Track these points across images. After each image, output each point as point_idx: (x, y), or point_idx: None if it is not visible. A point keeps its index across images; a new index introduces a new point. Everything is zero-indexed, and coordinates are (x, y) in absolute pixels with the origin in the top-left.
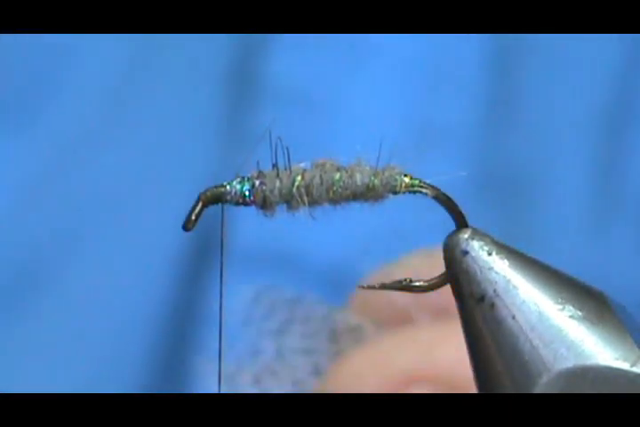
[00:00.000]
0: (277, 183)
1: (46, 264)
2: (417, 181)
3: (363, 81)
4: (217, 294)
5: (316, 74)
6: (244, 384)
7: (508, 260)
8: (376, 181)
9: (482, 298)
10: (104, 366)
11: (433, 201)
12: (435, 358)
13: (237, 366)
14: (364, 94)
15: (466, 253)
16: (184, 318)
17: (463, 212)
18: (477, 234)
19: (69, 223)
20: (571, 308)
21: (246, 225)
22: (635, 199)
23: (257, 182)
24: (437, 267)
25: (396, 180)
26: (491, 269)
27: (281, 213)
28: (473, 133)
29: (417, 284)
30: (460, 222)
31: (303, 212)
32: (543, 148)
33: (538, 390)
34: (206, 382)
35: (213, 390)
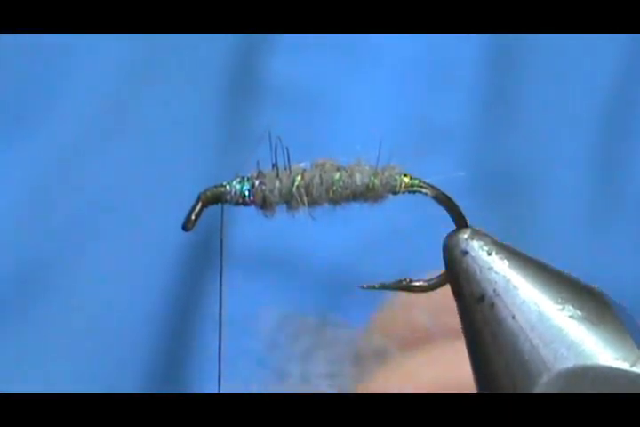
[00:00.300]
0: (277, 183)
1: (47, 266)
2: (417, 181)
3: (362, 81)
4: (214, 294)
5: (316, 74)
6: None
7: (507, 260)
8: (376, 181)
9: (482, 298)
10: (103, 366)
11: (432, 201)
12: (458, 376)
13: (264, 390)
14: (364, 94)
15: (465, 252)
16: (184, 319)
17: (463, 212)
18: (477, 234)
19: (70, 225)
20: (571, 308)
21: (246, 225)
22: (634, 199)
23: (257, 182)
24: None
25: (395, 180)
26: (490, 268)
27: (281, 213)
28: (472, 133)
29: (417, 284)
30: (460, 222)
31: (303, 212)
32: (542, 147)
33: (538, 389)
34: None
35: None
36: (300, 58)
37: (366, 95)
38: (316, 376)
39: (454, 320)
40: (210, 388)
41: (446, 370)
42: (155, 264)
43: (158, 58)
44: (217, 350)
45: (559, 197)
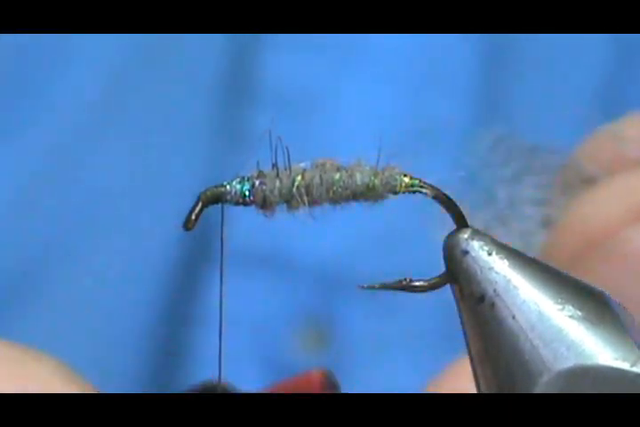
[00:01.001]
0: (277, 183)
1: (43, 266)
2: (417, 181)
3: (355, 81)
4: (210, 292)
5: (309, 74)
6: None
7: (507, 260)
8: (376, 181)
9: (482, 298)
10: (98, 364)
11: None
12: None
13: (471, 212)
14: (356, 94)
15: (466, 252)
16: (177, 318)
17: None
18: (477, 234)
19: (65, 224)
20: (571, 308)
21: (241, 224)
22: None
23: (257, 182)
24: None
25: (395, 180)
26: (491, 269)
27: (278, 212)
28: (464, 132)
29: (417, 284)
30: (460, 222)
31: (303, 212)
32: None
33: (538, 389)
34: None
35: None
36: (293, 58)
37: (359, 95)
38: (524, 201)
39: None
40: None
41: None
42: (147, 265)
43: (151, 59)
44: (213, 348)
45: None
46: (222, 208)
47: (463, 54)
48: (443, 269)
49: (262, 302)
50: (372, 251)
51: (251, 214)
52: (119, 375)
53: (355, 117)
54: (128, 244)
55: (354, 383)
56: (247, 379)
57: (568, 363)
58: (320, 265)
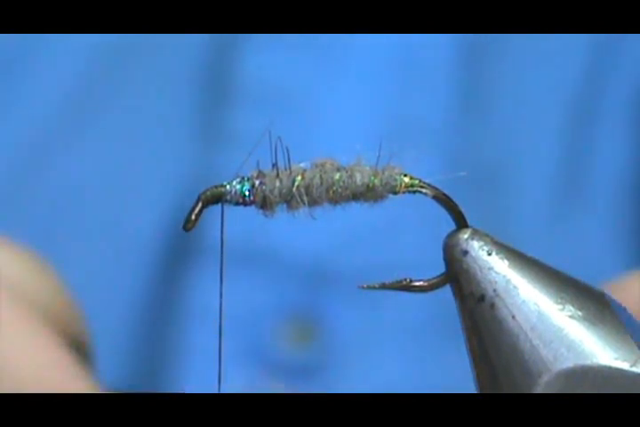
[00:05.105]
0: (277, 183)
1: None
2: (417, 181)
3: (335, 81)
4: (192, 289)
5: (289, 73)
6: None
7: (507, 260)
8: (376, 181)
9: (482, 298)
10: None
11: (410, 200)
12: None
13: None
14: (336, 94)
15: (466, 253)
16: (162, 315)
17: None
18: (477, 234)
19: (44, 224)
20: (571, 308)
21: (225, 222)
22: (601, 188)
23: (257, 182)
24: None
25: (395, 180)
26: (491, 268)
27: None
28: (447, 129)
29: (417, 284)
30: (461, 222)
31: (303, 211)
32: (514, 141)
33: (538, 389)
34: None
35: None
36: (273, 57)
37: (338, 94)
38: None
39: None
40: (189, 382)
41: None
42: (130, 264)
43: (133, 57)
44: (198, 345)
45: (531, 189)
46: (222, 208)
47: (445, 53)
48: (428, 264)
49: (249, 298)
50: (359, 247)
51: (235, 212)
52: (101, 373)
53: (334, 117)
54: (108, 244)
55: (341, 379)
56: (233, 375)
57: (568, 363)
58: (306, 261)
